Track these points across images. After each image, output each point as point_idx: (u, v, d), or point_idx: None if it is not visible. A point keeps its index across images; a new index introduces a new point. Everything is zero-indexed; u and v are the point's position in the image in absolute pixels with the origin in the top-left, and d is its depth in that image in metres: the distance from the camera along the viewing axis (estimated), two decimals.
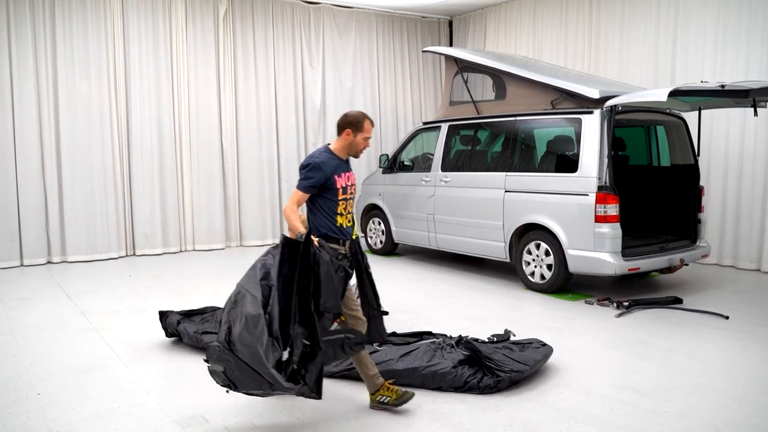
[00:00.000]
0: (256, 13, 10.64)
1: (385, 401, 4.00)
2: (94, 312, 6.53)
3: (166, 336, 5.45)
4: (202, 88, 10.22)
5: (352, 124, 4.02)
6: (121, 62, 9.56)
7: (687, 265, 7.31)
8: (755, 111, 6.29)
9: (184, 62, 10.04)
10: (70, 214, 9.27)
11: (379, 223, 9.77)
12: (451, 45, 12.93)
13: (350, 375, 4.54)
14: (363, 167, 11.74)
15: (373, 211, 9.93)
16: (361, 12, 11.72)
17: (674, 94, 5.91)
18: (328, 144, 4.13)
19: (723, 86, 5.70)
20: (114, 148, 9.53)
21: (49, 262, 9.21)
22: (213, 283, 7.92)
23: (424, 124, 9.26)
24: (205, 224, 10.35)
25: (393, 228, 9.44)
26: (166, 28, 9.86)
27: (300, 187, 3.95)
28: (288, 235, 3.78)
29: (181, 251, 10.16)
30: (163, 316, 5.48)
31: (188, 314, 5.56)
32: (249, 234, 10.78)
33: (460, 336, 4.87)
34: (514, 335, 5.04)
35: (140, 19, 9.64)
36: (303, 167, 3.97)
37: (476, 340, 4.77)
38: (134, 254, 9.83)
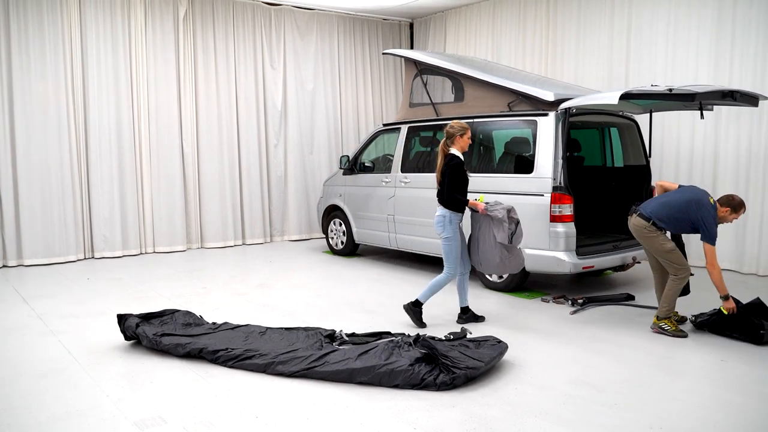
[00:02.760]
0: (216, 14, 10.61)
1: (666, 328, 5.54)
2: (51, 316, 6.46)
3: (125, 339, 5.43)
4: (162, 90, 10.15)
5: None
6: (78, 63, 9.45)
7: (639, 263, 7.52)
8: (701, 114, 6.52)
9: (144, 63, 9.96)
10: (26, 216, 9.13)
11: (340, 224, 9.83)
12: (411, 47, 13.05)
13: (308, 375, 4.60)
14: (324, 168, 11.81)
15: (334, 212, 9.98)
16: (322, 14, 11.77)
17: (625, 97, 6.08)
18: None
19: (671, 90, 5.88)
20: (72, 149, 9.41)
21: (4, 266, 9.05)
22: (174, 285, 7.90)
23: (385, 125, 9.34)
24: (166, 226, 10.28)
25: (354, 229, 9.51)
26: (125, 29, 9.77)
27: None
28: None
29: (141, 253, 10.08)
30: (122, 319, 5.45)
31: (147, 317, 5.55)
32: (210, 236, 10.74)
33: (417, 334, 4.97)
34: (471, 333, 5.15)
35: (98, 20, 9.54)
36: None
37: (433, 338, 4.87)
38: (93, 257, 9.73)
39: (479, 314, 6.23)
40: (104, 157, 9.69)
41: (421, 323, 5.96)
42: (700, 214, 5.46)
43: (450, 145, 5.95)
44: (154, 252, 10.22)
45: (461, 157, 5.92)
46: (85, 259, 9.65)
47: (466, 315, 6.15)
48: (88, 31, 9.49)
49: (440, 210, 5.95)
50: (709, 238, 5.41)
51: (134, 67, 9.91)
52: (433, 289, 6.00)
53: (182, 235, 10.43)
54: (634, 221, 5.77)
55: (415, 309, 6.01)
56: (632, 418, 3.94)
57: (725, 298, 5.49)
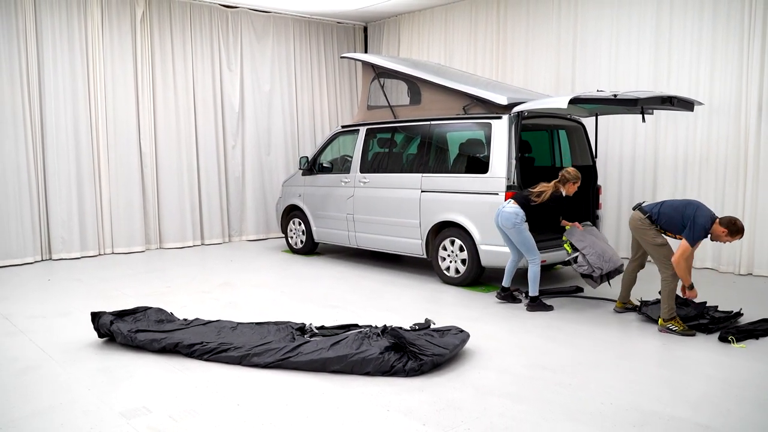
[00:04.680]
0: (173, 16, 10.68)
1: (674, 329, 5.66)
2: (17, 316, 6.50)
3: (99, 336, 5.55)
4: (119, 90, 10.17)
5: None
6: (34, 63, 9.40)
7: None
8: (643, 118, 6.99)
9: (101, 64, 9.97)
10: None
11: (300, 224, 10.04)
12: (366, 50, 13.34)
13: (283, 365, 4.84)
14: (281, 169, 12.00)
15: (293, 211, 10.19)
16: (278, 17, 11.94)
17: (574, 101, 6.50)
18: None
19: (615, 95, 6.32)
20: (28, 151, 9.36)
21: None
22: (137, 285, 7.99)
23: (343, 127, 9.60)
24: (125, 227, 10.30)
25: (313, 228, 9.74)
26: (81, 30, 9.77)
27: None
28: None
29: (99, 254, 10.09)
30: (96, 316, 5.56)
31: (120, 314, 5.67)
32: (169, 236, 10.81)
33: (385, 325, 5.25)
34: (434, 323, 5.46)
35: (54, 20, 9.51)
36: None
37: (400, 328, 5.16)
38: (51, 258, 9.69)
39: (516, 297, 6.92)
40: (61, 158, 9.68)
41: (549, 306, 6.64)
42: (693, 215, 5.61)
43: (561, 186, 6.58)
44: (113, 253, 10.24)
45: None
46: (42, 260, 9.61)
47: (505, 293, 6.89)
48: (43, 32, 9.45)
49: (515, 207, 6.57)
50: (691, 238, 5.55)
51: (91, 67, 9.92)
52: (534, 280, 6.62)
53: (141, 236, 10.47)
54: (633, 215, 6.07)
55: (533, 304, 6.62)
56: (584, 396, 4.32)
57: (690, 287, 5.80)
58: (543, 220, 8.28)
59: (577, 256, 6.70)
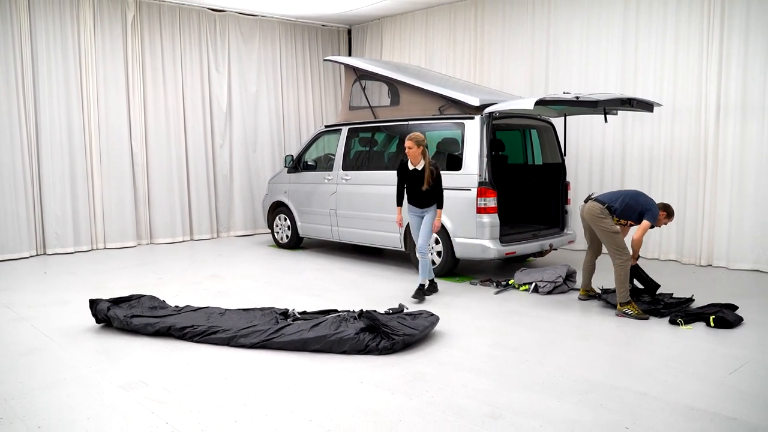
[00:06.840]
0: (163, 20, 11.08)
1: (629, 313, 6.18)
2: (19, 305, 6.91)
3: (96, 322, 5.98)
4: (111, 92, 10.57)
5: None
6: (29, 66, 9.78)
7: (555, 249, 8.48)
8: (605, 118, 7.49)
9: (93, 66, 10.36)
10: None
11: (285, 219, 10.48)
12: (350, 53, 13.78)
13: (267, 345, 5.29)
14: (267, 167, 12.42)
15: (279, 207, 10.62)
16: (264, 20, 12.37)
17: (540, 103, 6.98)
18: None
19: (577, 97, 6.81)
20: (23, 149, 9.74)
21: None
22: (130, 276, 8.41)
23: (327, 127, 10.04)
24: (116, 223, 10.71)
25: (298, 223, 10.18)
26: (74, 33, 10.16)
27: None
28: None
29: (92, 249, 10.49)
30: (94, 303, 5.99)
31: (116, 301, 6.09)
32: (159, 232, 11.22)
33: (361, 310, 5.71)
34: (407, 308, 5.92)
35: (48, 25, 9.90)
36: None
37: (375, 311, 5.61)
38: (45, 253, 10.08)
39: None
40: (56, 156, 10.06)
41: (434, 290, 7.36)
42: (648, 202, 6.37)
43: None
44: (105, 248, 10.64)
45: (408, 163, 7.06)
46: (37, 255, 10.00)
47: (421, 291, 7.19)
48: (37, 36, 9.84)
49: None
50: (653, 218, 6.25)
51: (84, 69, 10.31)
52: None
53: (132, 232, 10.88)
54: (589, 206, 6.48)
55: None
56: (538, 370, 4.80)
57: (636, 258, 6.58)
58: (514, 214, 8.82)
59: (536, 286, 7.32)
